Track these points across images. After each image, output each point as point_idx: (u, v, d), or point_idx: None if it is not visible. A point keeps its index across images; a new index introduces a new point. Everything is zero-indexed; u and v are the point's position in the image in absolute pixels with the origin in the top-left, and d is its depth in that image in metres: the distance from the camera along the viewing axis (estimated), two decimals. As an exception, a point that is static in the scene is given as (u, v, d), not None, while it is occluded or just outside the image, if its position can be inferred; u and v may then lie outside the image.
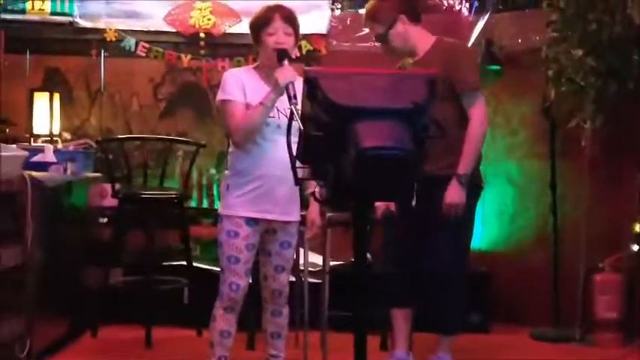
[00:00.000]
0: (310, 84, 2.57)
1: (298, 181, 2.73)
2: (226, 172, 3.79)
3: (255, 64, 3.81)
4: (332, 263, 4.61)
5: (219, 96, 3.70)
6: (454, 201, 4.00)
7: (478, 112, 4.05)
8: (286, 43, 3.61)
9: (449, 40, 4.27)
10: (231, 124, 3.64)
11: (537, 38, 5.45)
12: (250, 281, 3.77)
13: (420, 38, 4.18)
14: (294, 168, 2.70)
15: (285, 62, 3.52)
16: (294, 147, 2.72)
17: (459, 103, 4.04)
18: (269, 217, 3.69)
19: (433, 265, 4.07)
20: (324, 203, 3.19)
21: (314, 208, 3.85)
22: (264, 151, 3.61)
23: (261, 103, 3.54)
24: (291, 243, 3.82)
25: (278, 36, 3.61)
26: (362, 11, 5.96)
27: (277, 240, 3.77)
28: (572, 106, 5.19)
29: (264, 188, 3.64)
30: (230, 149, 3.77)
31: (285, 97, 3.38)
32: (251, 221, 3.67)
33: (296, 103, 3.14)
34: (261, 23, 3.66)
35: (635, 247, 5.02)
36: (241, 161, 3.68)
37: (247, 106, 3.61)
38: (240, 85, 3.65)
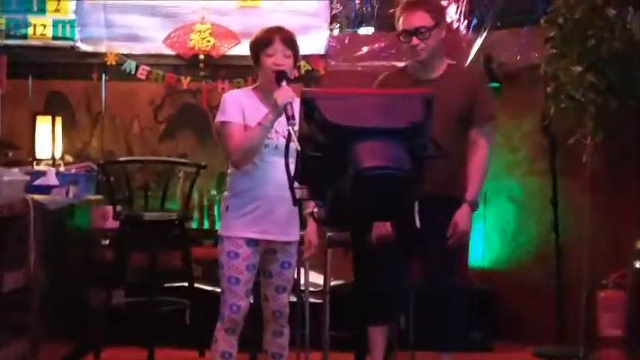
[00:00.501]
0: (307, 105, 2.58)
1: (296, 202, 2.73)
2: (225, 193, 3.80)
3: (255, 86, 3.81)
4: (333, 283, 4.60)
5: (218, 117, 3.71)
6: (464, 228, 3.94)
7: (490, 141, 4.03)
8: (285, 65, 3.61)
9: (465, 65, 4.21)
10: (230, 145, 3.64)
11: (536, 55, 5.46)
12: (251, 302, 3.77)
13: (442, 54, 4.07)
14: (292, 189, 2.70)
15: (284, 83, 3.53)
16: (293, 167, 2.73)
17: (468, 128, 4.02)
18: (269, 237, 3.69)
19: (434, 283, 4.06)
20: (322, 223, 3.19)
21: (311, 228, 3.85)
22: (263, 172, 3.62)
23: (259, 124, 3.54)
24: (291, 263, 3.82)
25: (277, 58, 3.62)
26: (360, 31, 6.05)
27: (277, 260, 3.77)
28: (572, 122, 5.18)
29: (264, 209, 3.64)
30: (229, 170, 3.78)
31: (283, 118, 3.38)
32: (251, 242, 3.67)
33: (294, 124, 3.15)
34: (260, 45, 3.67)
35: (639, 264, 4.99)
36: (240, 182, 3.69)
37: (246, 127, 3.62)
38: (238, 107, 3.66)
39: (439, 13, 4.02)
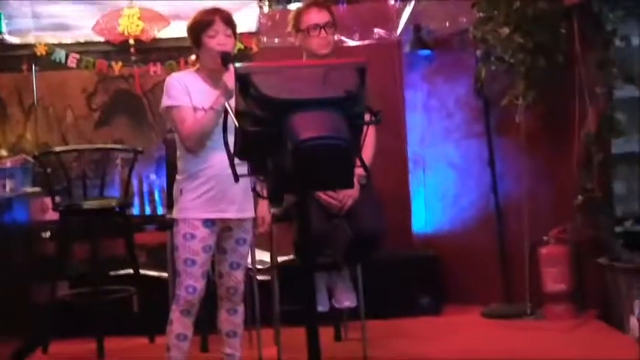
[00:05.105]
0: (242, 80, 2.57)
1: (237, 178, 2.72)
2: (178, 176, 3.77)
3: (197, 67, 3.79)
4: (279, 259, 4.61)
5: (165, 102, 3.68)
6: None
7: None
8: (228, 45, 3.64)
9: None
10: (182, 130, 3.63)
11: (464, 20, 5.50)
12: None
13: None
14: (232, 165, 2.70)
15: (231, 66, 3.52)
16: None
17: None
18: (226, 216, 3.69)
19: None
20: (265, 198, 3.20)
21: (263, 205, 3.87)
22: (214, 153, 3.60)
23: (211, 108, 3.54)
24: (247, 239, 3.83)
25: (219, 38, 3.64)
26: (290, 7, 6.02)
27: (233, 237, 3.78)
28: (503, 84, 5.26)
29: (218, 188, 3.64)
30: (178, 153, 3.76)
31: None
32: (208, 222, 3.67)
33: None
34: (201, 26, 3.66)
35: (579, 218, 5.09)
36: (192, 164, 3.68)
37: (194, 109, 3.62)
38: (184, 89, 3.65)
39: (335, 17, 4.39)
